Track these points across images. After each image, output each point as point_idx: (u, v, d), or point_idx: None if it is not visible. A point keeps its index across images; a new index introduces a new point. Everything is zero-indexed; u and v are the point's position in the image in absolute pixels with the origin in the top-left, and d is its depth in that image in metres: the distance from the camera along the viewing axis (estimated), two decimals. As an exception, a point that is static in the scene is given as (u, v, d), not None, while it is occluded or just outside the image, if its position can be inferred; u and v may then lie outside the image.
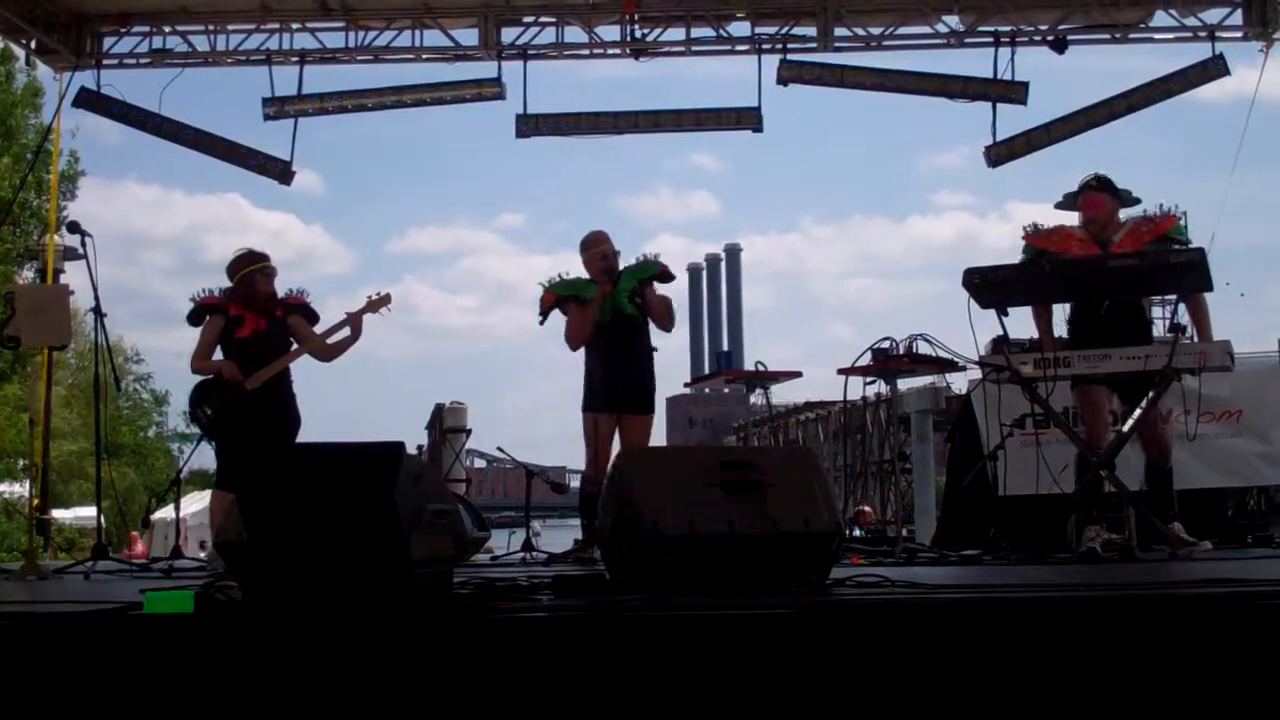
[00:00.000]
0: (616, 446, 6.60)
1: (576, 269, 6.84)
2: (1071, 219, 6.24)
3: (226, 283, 6.66)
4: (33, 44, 10.02)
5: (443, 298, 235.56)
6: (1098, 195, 6.12)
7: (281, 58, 9.91)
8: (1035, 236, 6.11)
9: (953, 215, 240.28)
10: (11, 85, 22.34)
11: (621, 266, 6.81)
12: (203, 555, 7.66)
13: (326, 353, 6.69)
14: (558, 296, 6.74)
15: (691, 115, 9.67)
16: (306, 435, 6.63)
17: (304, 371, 6.72)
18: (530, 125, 9.66)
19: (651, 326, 6.81)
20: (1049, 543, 5.83)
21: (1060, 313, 6.12)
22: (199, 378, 6.59)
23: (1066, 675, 2.85)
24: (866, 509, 13.73)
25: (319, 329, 6.69)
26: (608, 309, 6.61)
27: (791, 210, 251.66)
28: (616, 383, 6.50)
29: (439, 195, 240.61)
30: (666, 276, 6.84)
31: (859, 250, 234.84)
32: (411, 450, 3.62)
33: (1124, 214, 6.28)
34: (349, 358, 6.74)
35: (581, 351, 6.77)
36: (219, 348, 6.59)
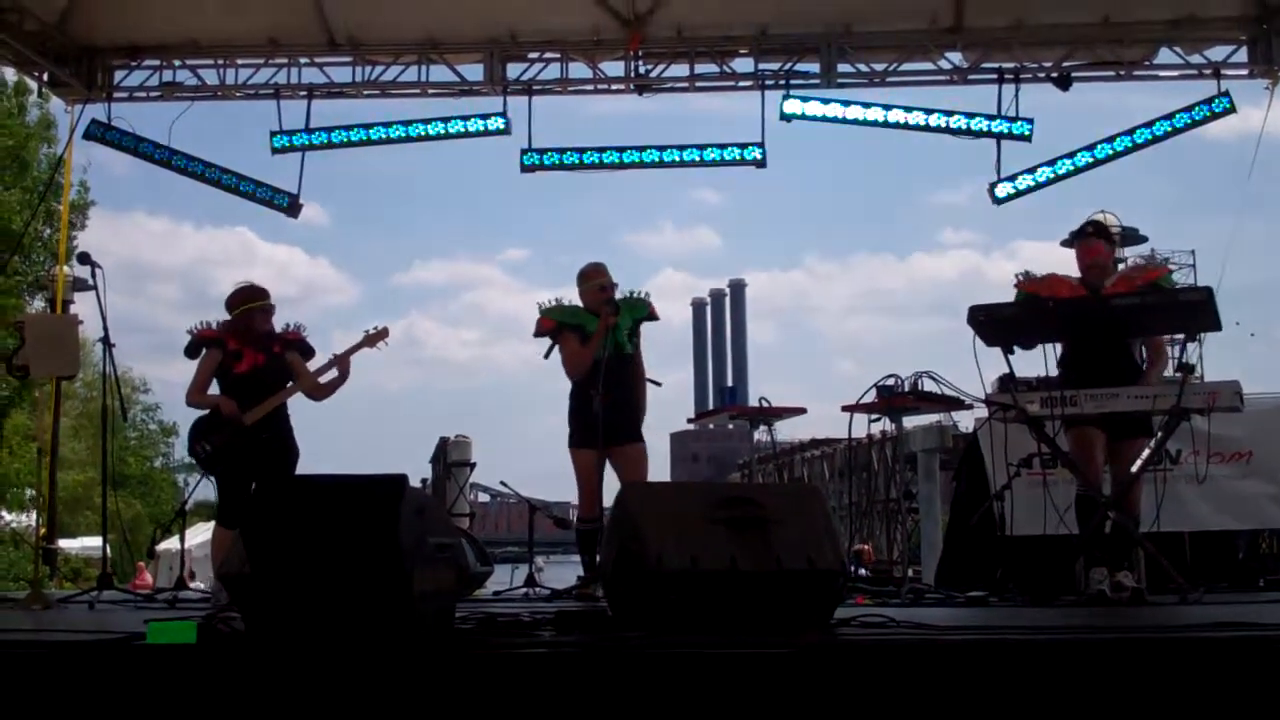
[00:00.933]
0: (609, 484, 6.56)
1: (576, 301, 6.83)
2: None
3: (227, 315, 6.67)
4: (45, 76, 10.11)
5: (447, 331, 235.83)
6: (1096, 241, 6.15)
7: (289, 92, 9.98)
8: (1027, 284, 6.13)
9: (957, 253, 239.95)
10: (24, 118, 22.51)
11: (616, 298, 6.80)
12: (193, 585, 7.63)
13: (318, 392, 6.70)
14: (556, 322, 6.73)
15: (696, 150, 9.72)
16: (309, 468, 6.62)
17: (307, 404, 6.72)
18: (535, 160, 9.71)
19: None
20: (1056, 584, 5.79)
21: (1052, 353, 6.11)
22: (197, 412, 6.59)
23: None
24: (865, 547, 13.66)
25: (313, 365, 6.70)
26: (609, 344, 6.59)
27: (794, 246, 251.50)
28: (615, 416, 6.45)
29: (443, 229, 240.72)
30: (653, 317, 6.86)
31: (863, 287, 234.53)
32: (415, 483, 3.62)
33: (1128, 251, 6.32)
34: (353, 390, 6.75)
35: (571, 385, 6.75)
36: (215, 382, 6.58)
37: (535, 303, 6.79)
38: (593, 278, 6.77)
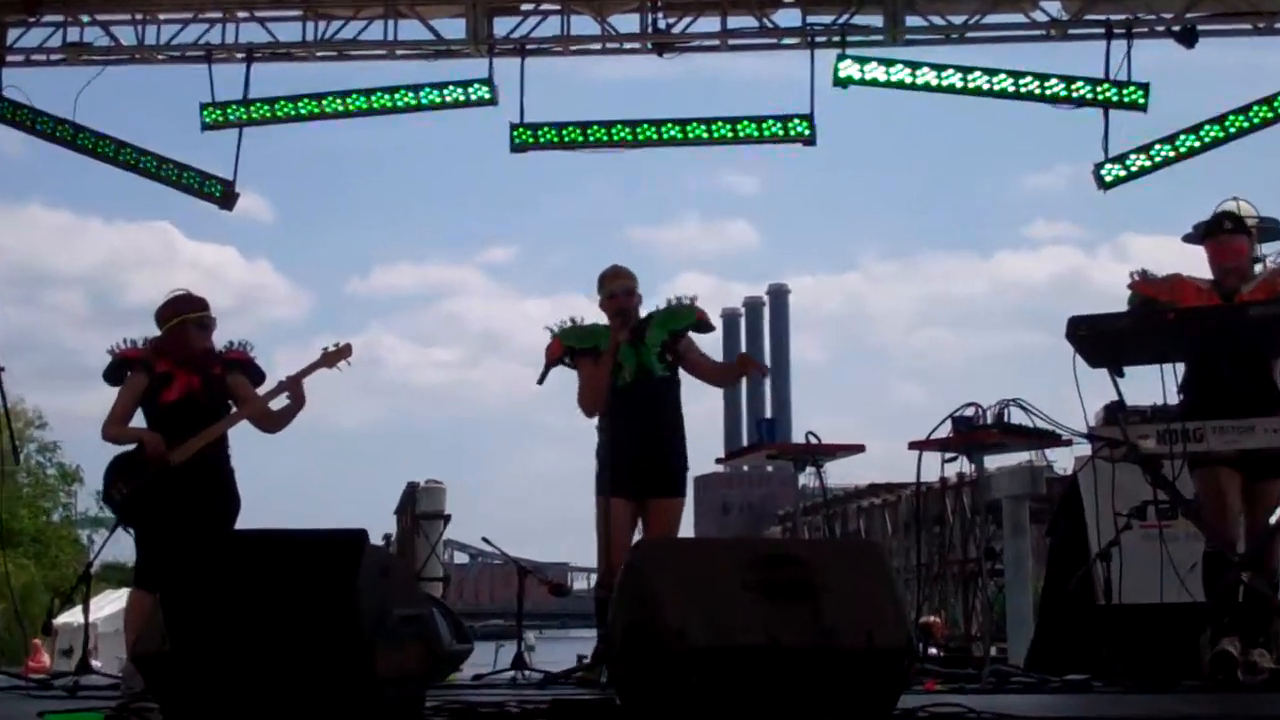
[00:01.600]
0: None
1: (591, 313, 6.87)
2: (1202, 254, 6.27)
3: (154, 331, 6.72)
4: (-79, 37, 10.19)
5: (416, 350, 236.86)
6: (1236, 239, 6.16)
7: (225, 53, 10.04)
8: (1145, 284, 6.14)
9: (1052, 250, 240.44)
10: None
11: (647, 311, 6.82)
12: (98, 667, 7.66)
13: (269, 422, 6.74)
14: (567, 348, 6.76)
15: (728, 124, 9.74)
16: (248, 520, 6.65)
17: (246, 442, 6.76)
18: (528, 137, 9.75)
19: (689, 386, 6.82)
20: (1176, 665, 5.78)
21: (1172, 375, 6.10)
22: (115, 449, 6.63)
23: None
24: (934, 619, 13.64)
25: (262, 392, 6.74)
26: (631, 368, 6.61)
27: (849, 243, 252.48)
28: (641, 460, 6.48)
29: (413, 223, 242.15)
30: (704, 326, 6.85)
31: (934, 293, 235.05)
32: (376, 540, 3.64)
33: (1265, 249, 6.33)
34: (300, 426, 6.78)
35: (594, 419, 6.77)
36: (140, 412, 6.62)
37: (545, 327, 6.85)
38: (607, 283, 6.80)
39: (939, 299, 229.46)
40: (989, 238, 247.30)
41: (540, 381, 6.79)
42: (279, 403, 6.73)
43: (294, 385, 6.70)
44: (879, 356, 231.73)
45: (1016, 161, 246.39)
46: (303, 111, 10.01)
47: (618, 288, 6.76)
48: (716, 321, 7.06)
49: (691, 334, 6.80)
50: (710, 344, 6.92)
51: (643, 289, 6.88)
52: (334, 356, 6.79)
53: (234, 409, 6.68)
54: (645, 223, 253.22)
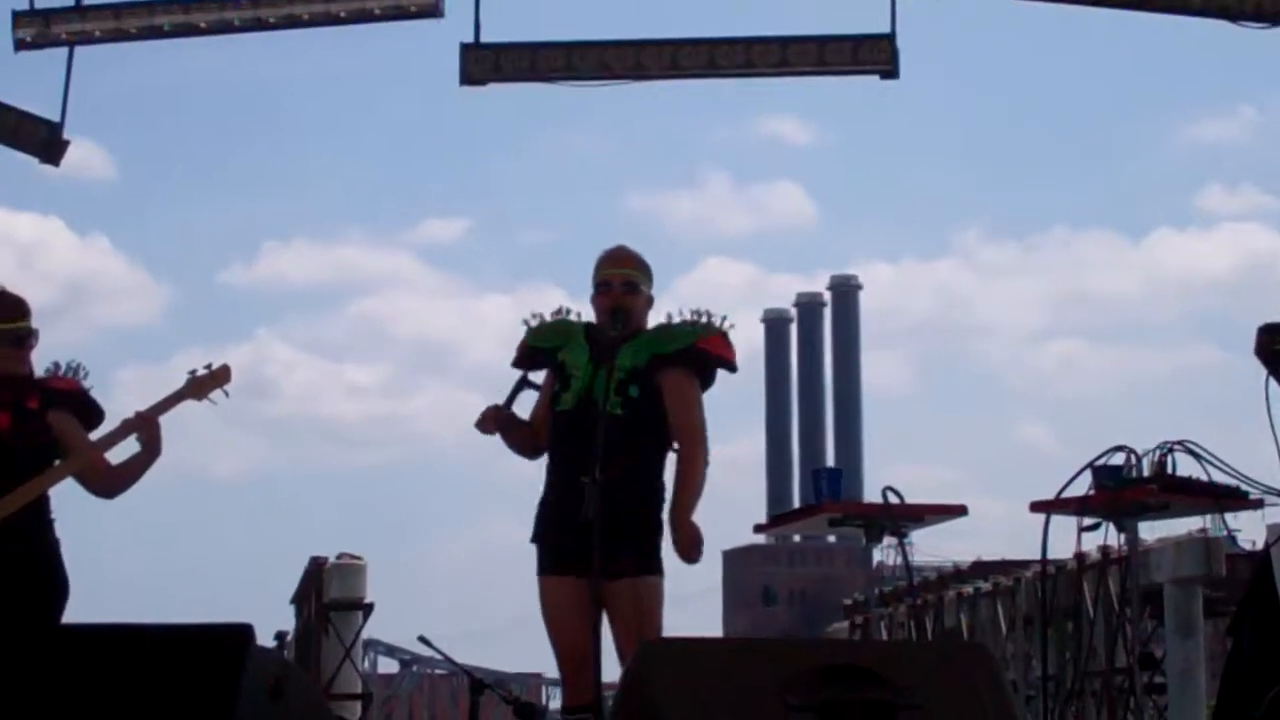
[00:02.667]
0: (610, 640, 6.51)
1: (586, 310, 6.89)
2: None
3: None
4: None
5: (322, 367, 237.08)
6: None
7: (50, -58, 10.10)
8: None
9: (1233, 229, 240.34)
10: None
11: (656, 322, 6.80)
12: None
13: (108, 479, 6.75)
14: (531, 349, 6.77)
15: (773, 49, 9.78)
16: (79, 613, 6.66)
17: (76, 502, 6.76)
18: (485, 64, 9.79)
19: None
20: None
21: None
22: None
23: None
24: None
25: (98, 436, 6.74)
26: (578, 389, 6.54)
27: (942, 217, 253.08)
28: (578, 525, 6.28)
29: (320, 186, 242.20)
30: (707, 358, 6.77)
31: (1064, 289, 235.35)
32: (266, 641, 3.66)
33: None
34: (157, 478, 6.79)
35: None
36: None
37: (522, 320, 6.90)
38: (601, 268, 6.79)
39: (1071, 297, 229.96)
40: (1142, 211, 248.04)
41: (507, 406, 6.74)
42: (122, 450, 6.73)
43: (146, 425, 6.68)
44: (987, 379, 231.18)
45: (1182, 103, 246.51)
46: (162, 25, 10.03)
47: (614, 276, 6.72)
48: (753, 328, 6.99)
49: (683, 368, 6.68)
50: (731, 383, 6.89)
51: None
52: (205, 384, 6.77)
53: (57, 458, 6.68)
54: (652, 187, 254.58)
